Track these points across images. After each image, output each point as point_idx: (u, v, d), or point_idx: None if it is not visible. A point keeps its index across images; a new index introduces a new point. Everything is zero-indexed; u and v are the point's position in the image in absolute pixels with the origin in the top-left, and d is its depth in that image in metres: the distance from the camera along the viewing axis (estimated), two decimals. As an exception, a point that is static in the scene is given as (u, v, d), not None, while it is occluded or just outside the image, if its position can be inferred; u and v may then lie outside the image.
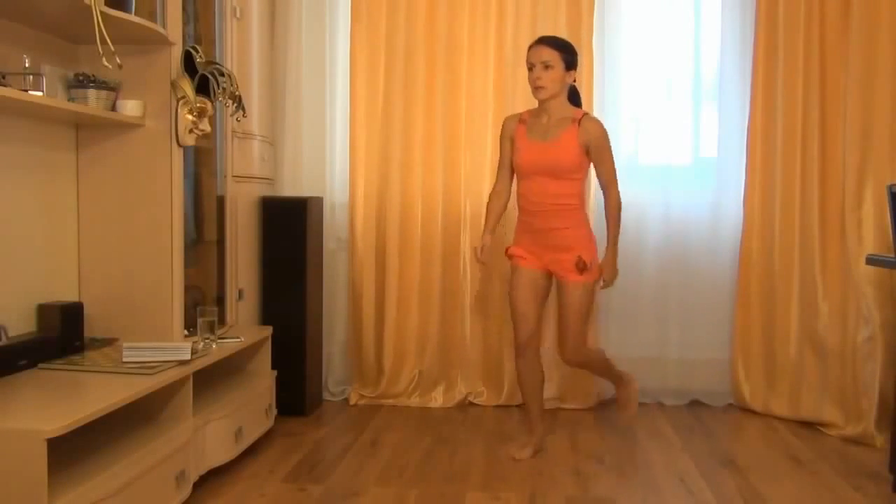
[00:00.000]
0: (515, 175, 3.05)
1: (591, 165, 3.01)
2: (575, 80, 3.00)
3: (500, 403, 3.79)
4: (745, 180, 3.68)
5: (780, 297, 3.62)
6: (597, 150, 2.93)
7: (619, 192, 3.01)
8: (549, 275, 3.04)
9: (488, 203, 3.16)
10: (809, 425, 3.50)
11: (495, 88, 3.73)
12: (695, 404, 3.84)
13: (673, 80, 3.80)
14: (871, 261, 2.90)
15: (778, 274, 3.62)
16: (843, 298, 3.46)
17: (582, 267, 2.93)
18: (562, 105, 2.96)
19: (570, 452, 3.13)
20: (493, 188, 3.15)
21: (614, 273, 3.04)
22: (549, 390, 3.75)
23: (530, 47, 2.96)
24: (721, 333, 3.80)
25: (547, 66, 2.88)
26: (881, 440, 3.21)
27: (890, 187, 2.68)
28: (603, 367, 3.25)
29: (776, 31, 3.57)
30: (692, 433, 3.40)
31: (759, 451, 3.18)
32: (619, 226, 3.02)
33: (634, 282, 3.83)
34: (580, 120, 2.92)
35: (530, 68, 2.92)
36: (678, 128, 3.81)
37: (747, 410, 3.71)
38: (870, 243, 3.38)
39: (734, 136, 3.72)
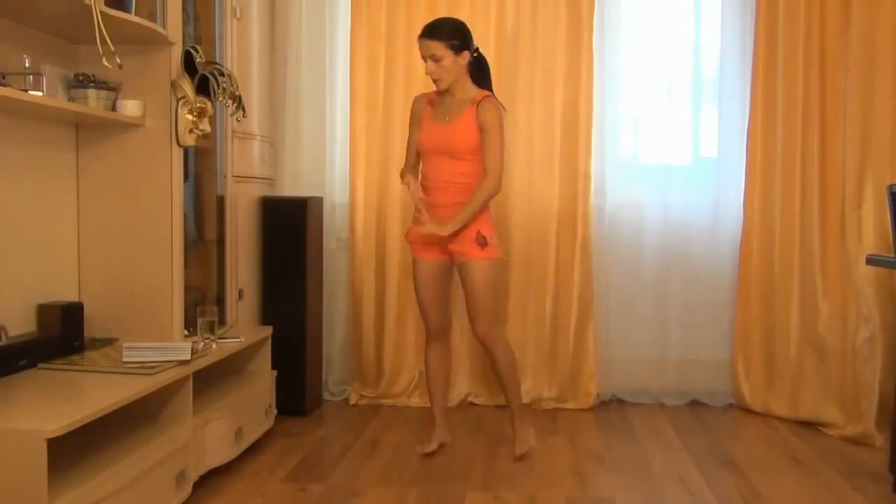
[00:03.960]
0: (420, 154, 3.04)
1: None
2: (476, 53, 2.95)
3: (500, 404, 3.78)
4: (745, 180, 3.67)
5: (780, 297, 3.62)
6: (485, 133, 2.88)
7: (497, 182, 2.87)
8: (450, 259, 3.00)
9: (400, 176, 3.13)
10: (809, 425, 3.50)
11: (495, 88, 3.70)
12: (695, 404, 3.84)
13: (673, 80, 3.80)
14: (871, 261, 2.90)
15: (778, 274, 3.62)
16: (843, 298, 3.46)
17: (482, 242, 2.89)
18: (463, 87, 2.94)
19: (570, 452, 3.13)
20: (402, 169, 3.13)
21: (437, 229, 2.83)
22: (550, 390, 3.77)
23: (418, 39, 2.92)
24: (721, 333, 3.80)
25: (436, 59, 2.87)
26: (881, 440, 3.21)
27: (890, 187, 2.68)
28: (510, 370, 3.02)
29: (776, 31, 3.57)
30: (692, 433, 3.40)
31: (759, 451, 3.18)
32: (475, 207, 2.84)
33: (634, 282, 3.83)
34: (479, 102, 2.90)
35: (424, 60, 2.91)
36: (678, 128, 3.81)
37: (747, 410, 3.71)
38: (870, 243, 3.38)
39: (734, 136, 3.71)
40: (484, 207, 2.93)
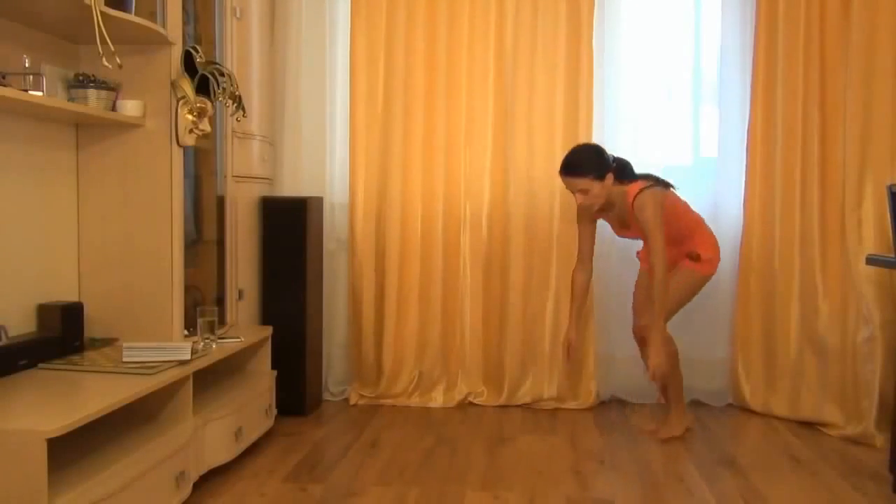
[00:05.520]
0: None
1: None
2: (614, 165, 3.10)
3: (500, 403, 3.79)
4: (745, 180, 3.67)
5: (780, 297, 3.61)
6: (642, 224, 3.07)
7: (660, 252, 3.00)
8: None
9: (572, 277, 3.36)
10: (809, 425, 3.50)
11: (495, 88, 3.73)
12: (695, 404, 3.83)
13: (673, 81, 3.80)
14: (871, 261, 2.90)
15: (778, 274, 3.62)
16: (843, 298, 3.46)
17: (695, 257, 3.18)
18: (616, 195, 3.13)
19: (570, 452, 3.13)
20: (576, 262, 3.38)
21: (657, 358, 3.01)
22: (550, 390, 3.77)
23: (560, 175, 3.12)
24: (721, 333, 3.80)
25: (584, 192, 3.05)
26: (881, 440, 3.21)
27: (890, 187, 2.68)
28: (671, 367, 3.22)
29: (776, 31, 3.57)
30: (692, 433, 3.40)
31: (759, 451, 3.18)
32: (660, 289, 3.02)
33: (635, 281, 3.82)
34: (633, 203, 3.06)
35: (572, 192, 3.10)
36: (678, 128, 3.81)
37: (747, 410, 3.71)
38: (870, 243, 3.38)
39: (734, 136, 3.71)
40: (703, 232, 3.24)
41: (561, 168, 3.11)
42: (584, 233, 3.30)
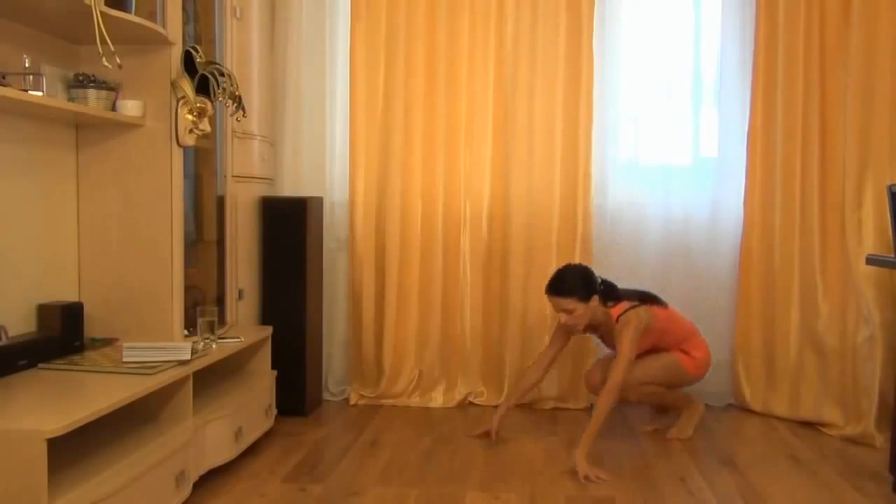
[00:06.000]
0: None
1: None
2: (601, 286, 3.13)
3: (500, 403, 3.78)
4: (745, 180, 3.67)
5: (780, 297, 3.61)
6: (617, 343, 3.06)
7: (614, 394, 2.93)
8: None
9: (525, 372, 3.41)
10: (809, 425, 3.50)
11: (495, 88, 3.73)
12: (695, 404, 3.84)
13: (673, 81, 3.80)
14: (871, 261, 2.90)
15: (778, 274, 3.62)
16: (843, 298, 3.46)
17: (687, 352, 3.26)
18: (602, 318, 3.14)
19: (570, 452, 3.13)
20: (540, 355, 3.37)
21: (582, 470, 2.82)
22: (550, 390, 3.77)
23: (546, 294, 3.12)
24: (721, 333, 3.79)
25: (568, 312, 3.06)
26: (881, 440, 3.21)
27: (890, 187, 2.68)
28: (650, 399, 3.33)
29: (776, 31, 3.57)
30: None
31: (759, 450, 3.18)
32: (602, 415, 2.92)
33: (634, 283, 3.81)
34: (616, 325, 3.08)
35: (556, 311, 3.13)
36: (678, 128, 3.81)
37: (747, 410, 3.71)
38: (870, 243, 3.38)
39: (734, 136, 3.71)
40: (691, 336, 3.30)
41: (547, 287, 3.12)
42: (554, 344, 3.28)
